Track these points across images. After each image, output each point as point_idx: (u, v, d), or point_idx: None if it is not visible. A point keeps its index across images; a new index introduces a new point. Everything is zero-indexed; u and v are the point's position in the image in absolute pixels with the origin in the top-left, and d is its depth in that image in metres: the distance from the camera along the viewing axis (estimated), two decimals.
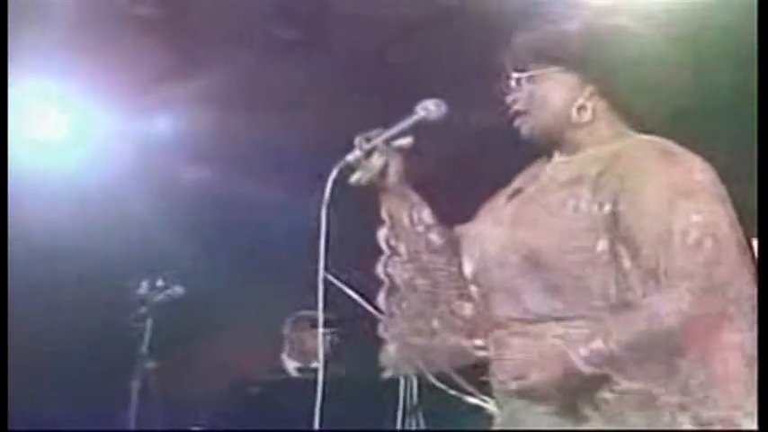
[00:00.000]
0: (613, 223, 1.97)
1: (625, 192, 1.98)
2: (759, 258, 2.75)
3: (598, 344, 1.91)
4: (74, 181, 5.59)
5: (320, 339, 2.45)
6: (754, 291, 1.95)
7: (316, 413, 2.11)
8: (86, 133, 5.74)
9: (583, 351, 1.91)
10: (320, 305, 2.17)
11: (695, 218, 1.93)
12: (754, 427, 1.87)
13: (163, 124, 5.82)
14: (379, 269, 2.24)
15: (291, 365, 5.27)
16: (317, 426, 2.10)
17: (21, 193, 4.09)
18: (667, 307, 1.89)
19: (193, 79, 5.33)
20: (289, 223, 5.51)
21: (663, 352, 1.89)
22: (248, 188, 5.88)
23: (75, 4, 4.73)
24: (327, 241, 2.11)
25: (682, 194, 1.95)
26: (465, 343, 2.22)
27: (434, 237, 2.24)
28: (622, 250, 1.97)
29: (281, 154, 5.65)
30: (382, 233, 2.25)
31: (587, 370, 1.90)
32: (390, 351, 2.24)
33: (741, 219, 2.03)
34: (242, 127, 5.52)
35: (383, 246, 2.24)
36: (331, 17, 5.09)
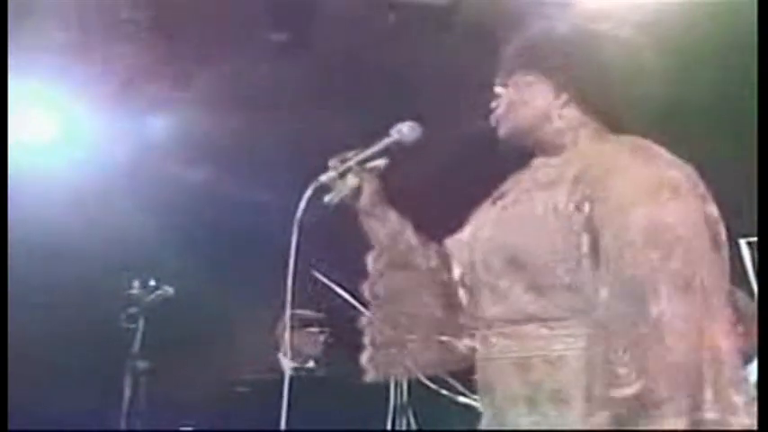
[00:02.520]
0: (588, 224, 1.98)
1: (598, 192, 1.98)
2: (759, 258, 2.77)
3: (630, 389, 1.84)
4: (65, 182, 5.60)
5: (287, 338, 2.49)
6: (725, 291, 1.94)
7: (282, 411, 2.13)
8: (77, 134, 5.75)
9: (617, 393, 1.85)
10: (287, 312, 2.22)
11: (668, 219, 1.90)
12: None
13: (155, 125, 5.84)
14: (365, 287, 2.28)
15: (288, 365, 5.28)
16: (283, 424, 2.12)
17: (12, 194, 4.09)
18: (636, 313, 1.85)
19: (184, 81, 5.34)
20: (280, 224, 5.52)
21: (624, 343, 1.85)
22: (240, 188, 5.90)
23: (67, 7, 4.74)
24: (297, 255, 2.16)
25: (652, 195, 1.92)
26: (446, 353, 2.25)
27: (416, 254, 2.28)
28: (595, 250, 1.96)
29: (272, 154, 5.66)
30: (371, 255, 2.29)
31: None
32: (366, 356, 2.28)
33: (730, 220, 2.03)
34: (234, 128, 5.53)
35: (370, 264, 2.29)
36: (321, 19, 5.10)
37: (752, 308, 3.80)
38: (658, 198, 1.91)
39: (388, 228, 2.27)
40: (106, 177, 5.66)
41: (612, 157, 2.04)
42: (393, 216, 2.29)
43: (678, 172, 1.98)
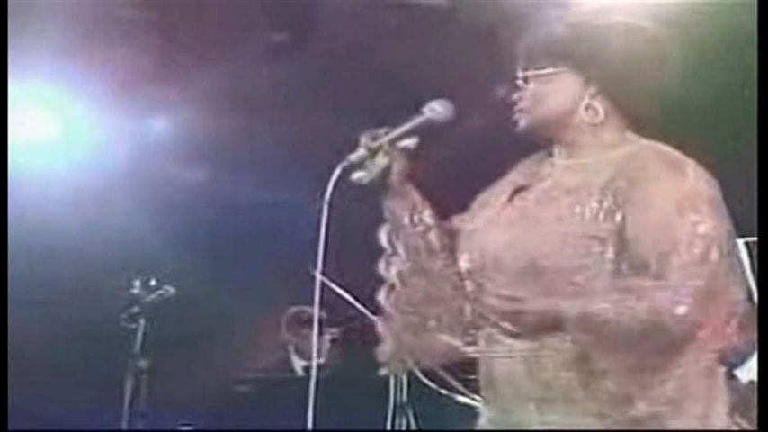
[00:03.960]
0: (619, 232, 1.99)
1: (632, 202, 2.00)
2: (759, 258, 2.78)
3: (592, 308, 1.93)
4: (66, 182, 5.60)
5: (315, 338, 2.46)
6: (743, 302, 2.02)
7: (309, 412, 2.13)
8: (77, 134, 5.76)
9: (576, 310, 1.94)
10: (317, 302, 2.19)
11: (701, 229, 1.94)
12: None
13: (155, 126, 5.84)
14: (381, 267, 2.25)
15: (299, 364, 5.30)
16: (310, 424, 2.12)
17: (13, 194, 4.10)
18: (671, 302, 1.90)
19: (185, 81, 5.34)
20: (281, 224, 5.53)
21: (654, 344, 1.92)
22: (240, 189, 5.90)
23: (67, 8, 4.74)
24: (327, 239, 2.12)
25: (688, 207, 1.97)
26: (458, 341, 2.22)
27: (433, 238, 2.25)
28: (626, 259, 1.99)
29: (272, 154, 5.67)
30: (384, 231, 2.26)
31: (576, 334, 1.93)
32: (386, 347, 2.25)
33: (740, 218, 2.06)
34: (234, 128, 5.54)
35: (385, 244, 2.25)
36: (321, 20, 5.11)
37: (744, 304, 3.83)
38: (697, 211, 1.96)
39: (409, 207, 2.25)
40: (107, 177, 5.67)
41: (645, 167, 2.05)
42: (415, 196, 2.26)
43: (708, 184, 2.02)
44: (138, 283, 4.83)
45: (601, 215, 2.01)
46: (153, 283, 4.84)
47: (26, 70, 4.97)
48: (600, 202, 2.02)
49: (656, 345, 1.92)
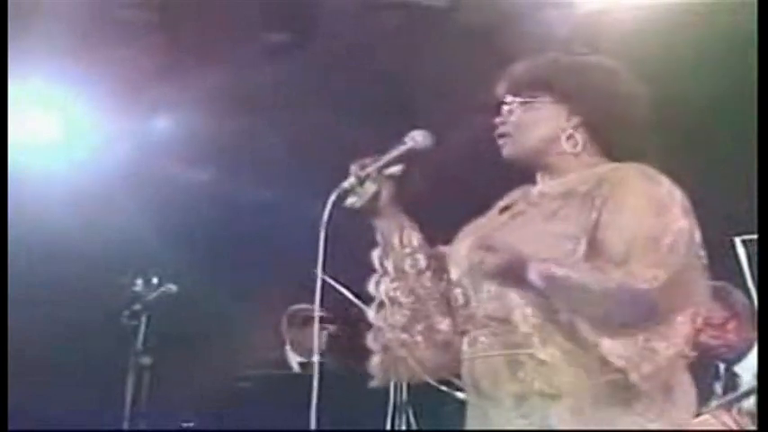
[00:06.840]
0: (594, 230, 2.10)
1: (610, 203, 2.12)
2: (759, 258, 2.84)
3: (556, 268, 2.02)
4: (66, 182, 5.61)
5: (315, 338, 2.53)
6: (703, 302, 2.12)
7: (312, 410, 2.19)
8: (78, 135, 5.76)
9: (543, 266, 2.02)
10: (317, 306, 2.29)
11: (673, 226, 2.07)
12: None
13: (155, 126, 5.85)
14: (371, 286, 2.37)
15: (294, 360, 5.34)
16: (311, 424, 2.18)
17: (14, 194, 4.10)
18: (642, 277, 2.00)
19: (185, 82, 5.35)
20: (282, 222, 5.54)
21: (616, 310, 2.02)
22: (241, 189, 5.91)
23: (67, 8, 4.75)
24: (325, 259, 2.23)
25: (661, 207, 2.10)
26: (444, 356, 2.35)
27: (421, 258, 2.36)
28: (599, 253, 2.08)
29: (273, 154, 5.68)
30: (376, 253, 2.38)
31: (537, 282, 2.02)
32: (376, 360, 2.37)
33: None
34: (234, 128, 5.55)
35: (376, 264, 2.38)
36: (321, 21, 5.11)
37: (741, 301, 3.85)
38: (668, 212, 2.09)
39: (398, 230, 2.37)
40: (108, 178, 5.67)
41: (622, 176, 2.17)
42: (404, 219, 2.38)
43: (680, 193, 2.14)
44: (140, 281, 4.83)
45: (582, 217, 2.12)
46: (155, 281, 4.85)
47: (26, 70, 4.98)
48: (582, 204, 2.14)
49: (623, 311, 2.01)
